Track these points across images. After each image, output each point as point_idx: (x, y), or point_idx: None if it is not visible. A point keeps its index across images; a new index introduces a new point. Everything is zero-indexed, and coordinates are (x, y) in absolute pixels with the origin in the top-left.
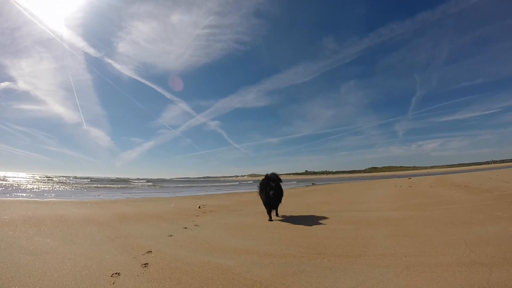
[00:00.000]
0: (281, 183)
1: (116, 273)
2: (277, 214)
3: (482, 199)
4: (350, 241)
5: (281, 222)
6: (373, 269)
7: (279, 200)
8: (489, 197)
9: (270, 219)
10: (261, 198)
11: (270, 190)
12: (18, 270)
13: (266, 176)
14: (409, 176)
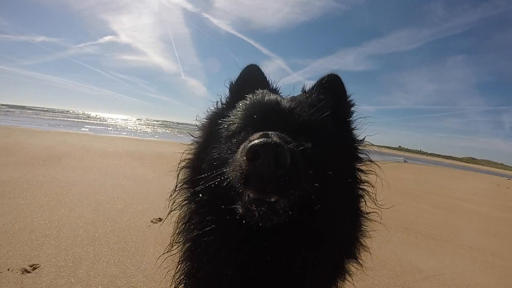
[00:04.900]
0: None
1: None
2: None
3: None
4: (438, 225)
5: None
6: (459, 258)
7: None
8: None
9: None
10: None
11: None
12: (123, 192)
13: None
14: (510, 177)
